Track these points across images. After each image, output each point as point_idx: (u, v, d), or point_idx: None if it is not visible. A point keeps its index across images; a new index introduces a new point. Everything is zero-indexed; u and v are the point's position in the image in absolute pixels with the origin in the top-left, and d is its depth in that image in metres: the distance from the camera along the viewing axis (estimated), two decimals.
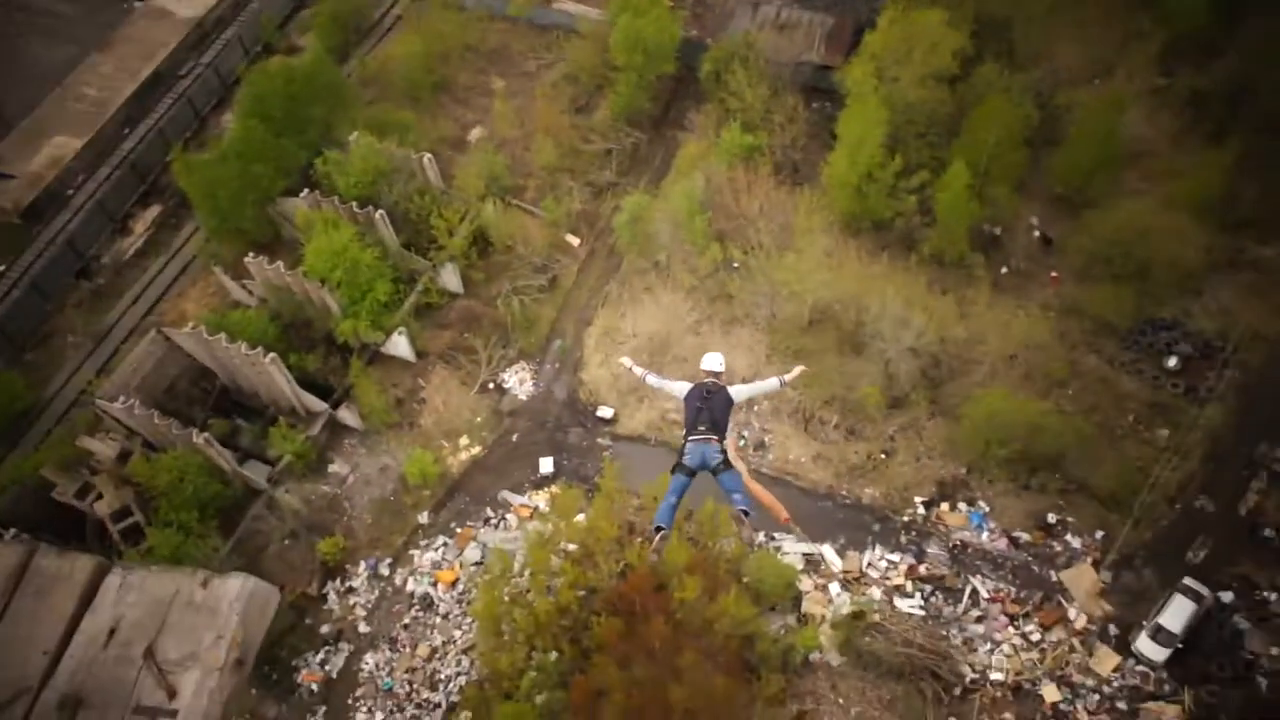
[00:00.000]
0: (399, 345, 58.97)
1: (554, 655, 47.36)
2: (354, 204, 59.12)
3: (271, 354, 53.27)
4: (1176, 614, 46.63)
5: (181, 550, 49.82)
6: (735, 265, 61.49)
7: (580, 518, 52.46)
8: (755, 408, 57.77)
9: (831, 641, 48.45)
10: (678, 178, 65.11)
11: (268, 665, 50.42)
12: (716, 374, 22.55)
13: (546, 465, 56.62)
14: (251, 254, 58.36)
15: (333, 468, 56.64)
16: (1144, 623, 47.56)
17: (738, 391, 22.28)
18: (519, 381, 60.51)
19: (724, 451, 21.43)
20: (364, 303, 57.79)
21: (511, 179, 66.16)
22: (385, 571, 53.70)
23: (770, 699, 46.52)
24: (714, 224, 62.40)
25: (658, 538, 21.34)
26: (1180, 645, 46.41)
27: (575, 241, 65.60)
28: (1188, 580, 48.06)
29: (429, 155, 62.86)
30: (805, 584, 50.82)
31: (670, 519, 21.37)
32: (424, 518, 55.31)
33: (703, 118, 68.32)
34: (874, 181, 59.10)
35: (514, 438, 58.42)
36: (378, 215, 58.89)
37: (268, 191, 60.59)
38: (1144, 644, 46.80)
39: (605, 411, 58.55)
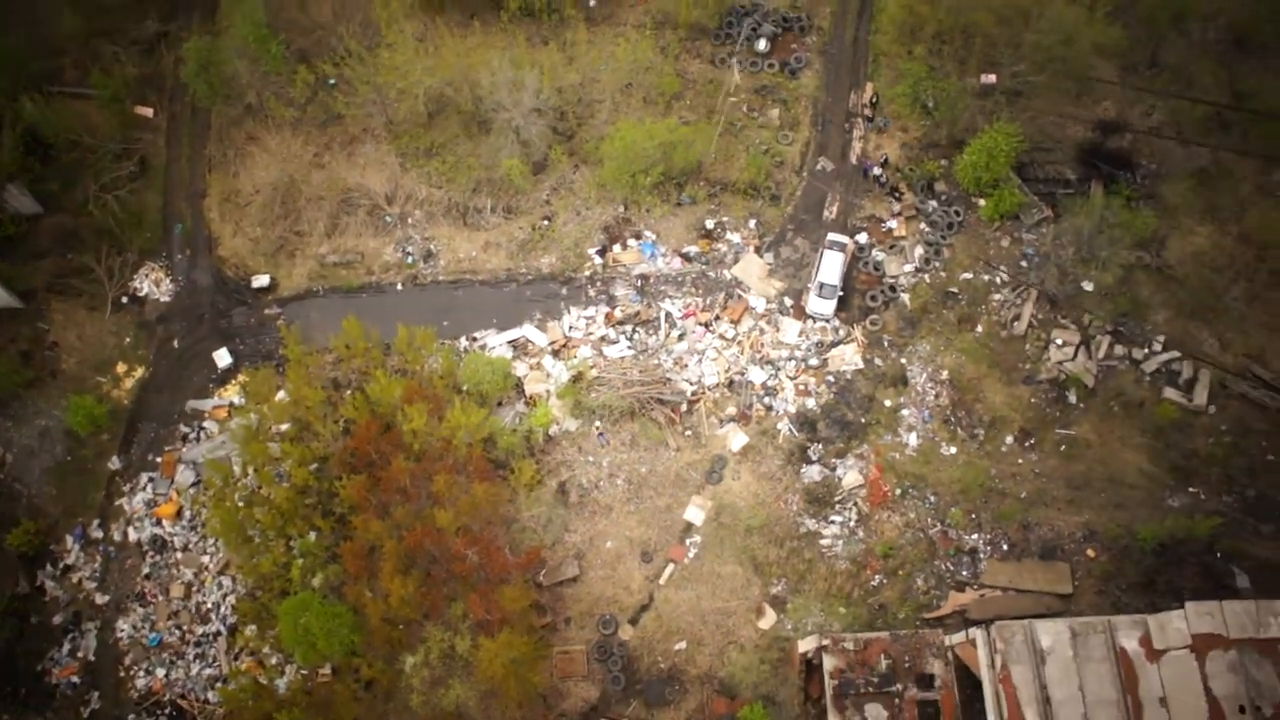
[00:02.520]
0: None
1: (313, 535, 46.78)
2: None
3: None
4: (830, 268, 52.83)
5: None
6: (332, 82, 57.21)
7: (280, 395, 50.26)
8: (409, 219, 56.23)
9: (563, 410, 50.99)
10: (232, 4, 58.21)
11: (9, 685, 46.34)
12: None
13: (223, 358, 52.92)
14: None
15: None
16: (808, 285, 53.60)
17: None
18: (155, 284, 54.83)
19: None
20: None
21: (37, 62, 56.27)
22: (97, 534, 49.53)
23: (529, 484, 48.97)
24: (292, 45, 57.10)
25: None
26: (841, 293, 53.01)
27: (149, 112, 57.92)
28: (830, 236, 54.17)
29: None
30: (520, 369, 52.38)
31: None
32: (115, 463, 50.77)
33: None
34: None
35: (175, 344, 53.73)
36: None
37: None
38: (814, 303, 53.01)
39: (261, 280, 54.74)
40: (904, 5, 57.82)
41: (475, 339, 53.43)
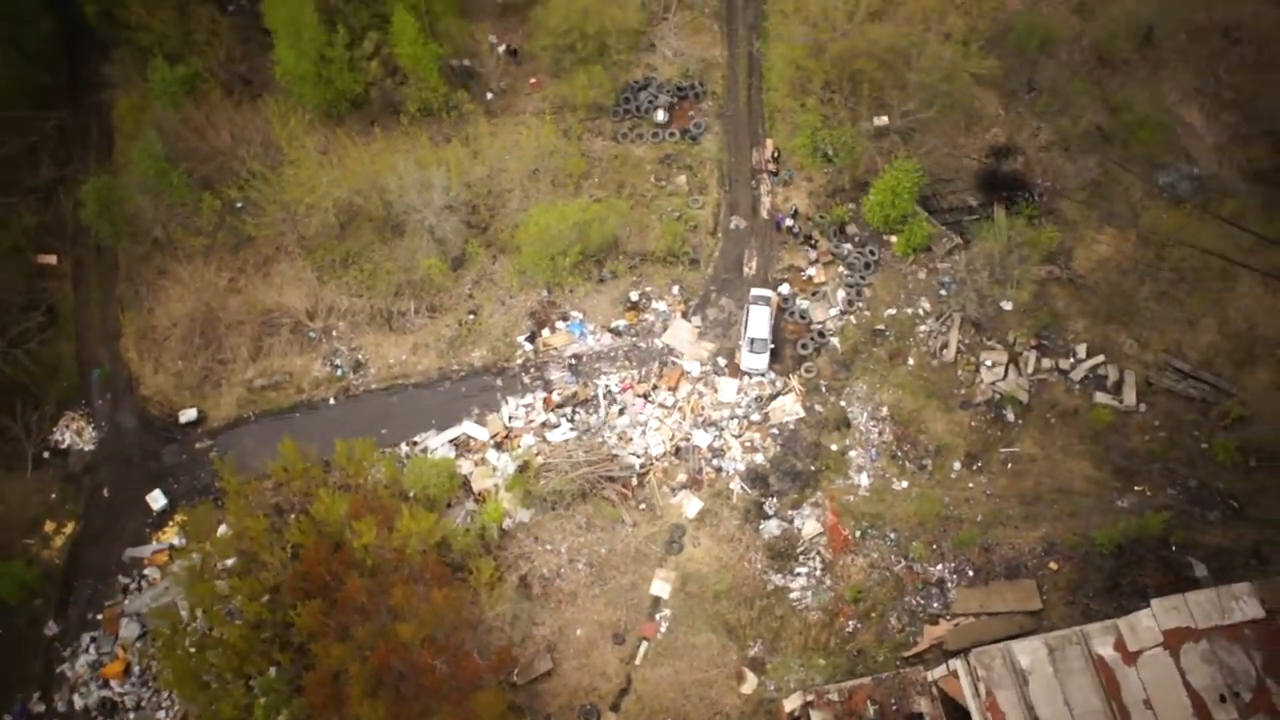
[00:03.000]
0: None
1: (273, 671, 44.99)
2: None
3: None
4: (758, 322, 53.52)
5: None
6: (239, 205, 56.76)
7: (222, 529, 48.77)
8: (334, 332, 55.69)
9: (514, 502, 50.30)
10: (127, 141, 57.79)
11: None
12: None
13: (157, 500, 51.26)
14: None
15: None
16: (740, 343, 54.14)
17: None
18: (77, 433, 53.17)
19: None
20: None
21: None
22: (39, 708, 46.93)
23: (489, 582, 47.94)
24: (194, 173, 56.66)
25: None
26: (773, 345, 53.64)
27: (52, 259, 56.82)
28: (754, 291, 55.01)
29: None
30: (465, 467, 51.66)
31: None
32: (52, 628, 48.47)
33: (119, 67, 60.41)
34: (330, 62, 56.25)
35: (105, 492, 51.95)
36: None
37: None
38: (747, 359, 53.51)
39: (188, 414, 53.42)
40: (790, 62, 59.91)
41: (416, 443, 52.65)
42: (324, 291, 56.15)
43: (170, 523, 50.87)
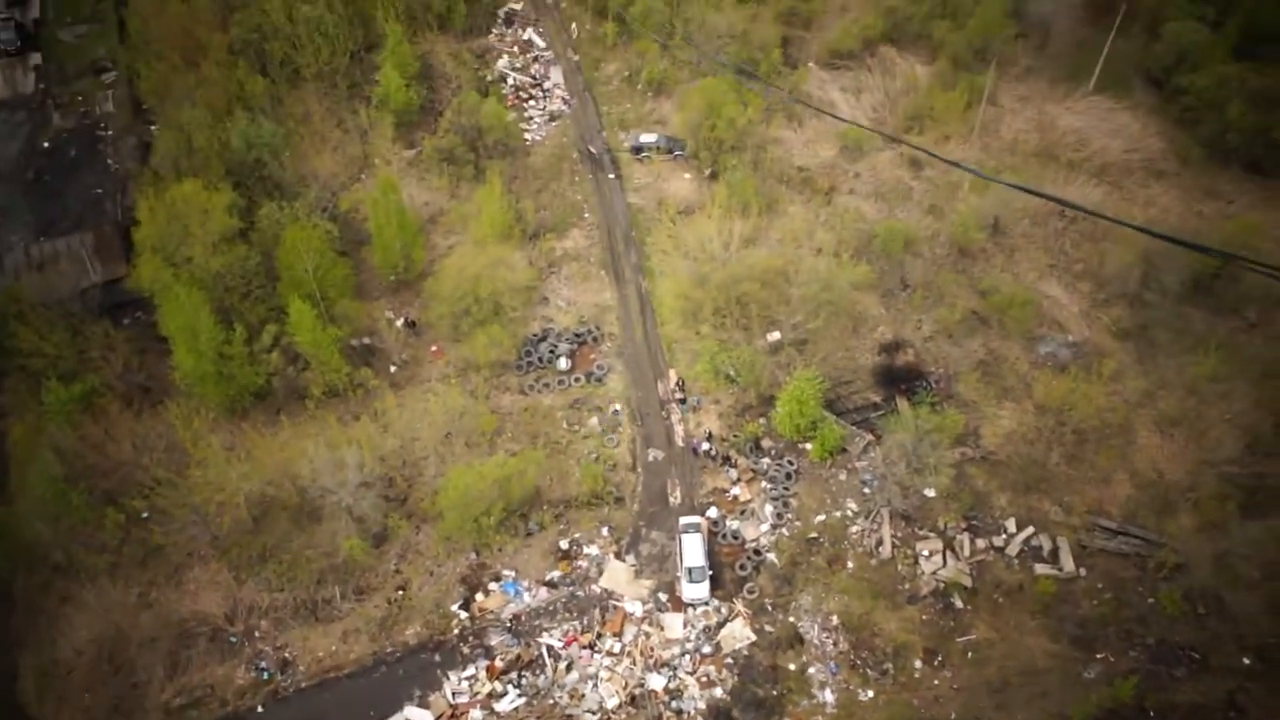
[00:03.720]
0: None
1: None
2: None
3: None
4: (692, 551, 52.86)
5: None
6: (145, 515, 54.77)
7: None
8: (256, 633, 52.68)
9: None
10: (22, 468, 55.95)
11: None
12: None
13: None
14: None
15: None
16: (678, 575, 53.18)
17: None
18: None
19: None
20: None
21: None
22: None
23: None
24: (95, 490, 54.86)
25: None
26: (711, 572, 52.80)
27: None
28: (683, 520, 54.74)
29: None
30: None
31: None
32: None
33: (11, 395, 59.49)
34: (230, 359, 56.62)
35: None
36: None
37: None
38: (688, 590, 52.39)
39: None
40: (678, 294, 62.88)
41: None
42: (242, 591, 53.57)
43: None
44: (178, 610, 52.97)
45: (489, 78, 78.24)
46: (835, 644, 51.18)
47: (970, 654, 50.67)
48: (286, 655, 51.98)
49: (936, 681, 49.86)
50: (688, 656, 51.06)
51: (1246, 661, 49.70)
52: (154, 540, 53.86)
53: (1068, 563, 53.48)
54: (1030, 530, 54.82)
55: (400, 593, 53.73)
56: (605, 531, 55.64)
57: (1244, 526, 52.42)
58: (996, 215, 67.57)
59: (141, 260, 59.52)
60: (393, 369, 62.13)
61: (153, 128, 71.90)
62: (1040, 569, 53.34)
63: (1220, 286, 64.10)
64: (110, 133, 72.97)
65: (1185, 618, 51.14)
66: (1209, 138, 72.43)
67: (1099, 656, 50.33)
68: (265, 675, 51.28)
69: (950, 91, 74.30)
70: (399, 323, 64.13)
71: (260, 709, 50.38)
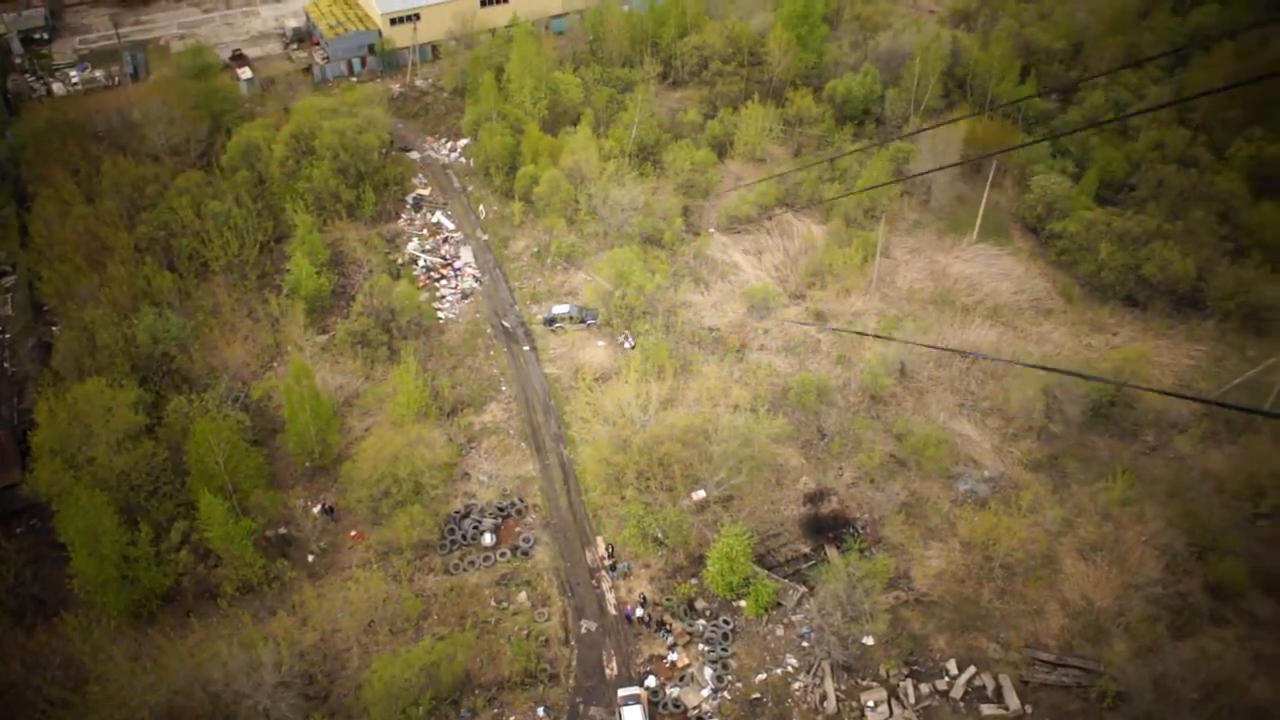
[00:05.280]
0: None
1: None
2: None
3: None
4: None
5: None
6: None
7: None
8: None
9: None
10: None
11: None
12: None
13: None
14: None
15: None
16: None
17: None
18: None
19: None
20: None
21: None
22: None
23: None
24: None
25: None
26: None
27: None
28: (621, 692, 52.63)
29: None
30: None
31: None
32: None
33: None
34: (134, 562, 53.91)
35: None
36: None
37: None
38: None
39: None
40: (600, 460, 62.63)
41: None
42: None
43: None
44: None
45: (400, 261, 79.69)
46: None
47: None
48: None
49: None
50: None
51: None
52: None
53: (1013, 700, 52.74)
54: (972, 670, 54.18)
55: None
56: (542, 711, 53.01)
57: (1176, 648, 52.94)
58: (902, 361, 70.18)
59: (39, 464, 57.32)
60: (310, 558, 59.79)
61: (54, 328, 70.82)
62: (987, 710, 52.46)
63: (1118, 413, 67.16)
64: (7, 336, 71.50)
65: None
66: (1086, 276, 77.90)
67: None
68: None
69: (846, 248, 78.52)
70: (316, 510, 62.23)
71: None
